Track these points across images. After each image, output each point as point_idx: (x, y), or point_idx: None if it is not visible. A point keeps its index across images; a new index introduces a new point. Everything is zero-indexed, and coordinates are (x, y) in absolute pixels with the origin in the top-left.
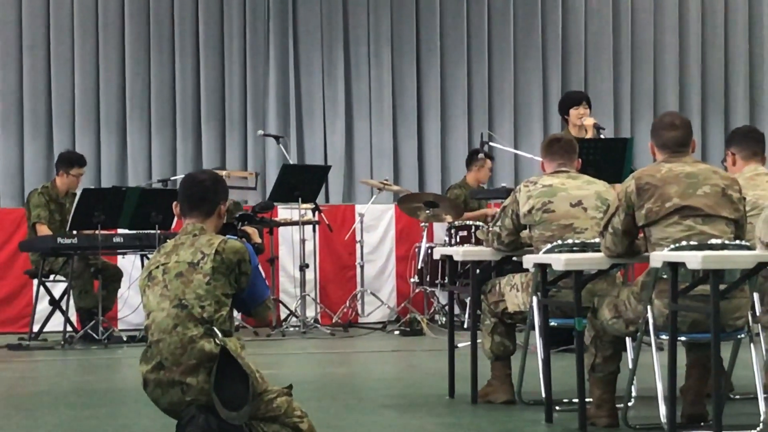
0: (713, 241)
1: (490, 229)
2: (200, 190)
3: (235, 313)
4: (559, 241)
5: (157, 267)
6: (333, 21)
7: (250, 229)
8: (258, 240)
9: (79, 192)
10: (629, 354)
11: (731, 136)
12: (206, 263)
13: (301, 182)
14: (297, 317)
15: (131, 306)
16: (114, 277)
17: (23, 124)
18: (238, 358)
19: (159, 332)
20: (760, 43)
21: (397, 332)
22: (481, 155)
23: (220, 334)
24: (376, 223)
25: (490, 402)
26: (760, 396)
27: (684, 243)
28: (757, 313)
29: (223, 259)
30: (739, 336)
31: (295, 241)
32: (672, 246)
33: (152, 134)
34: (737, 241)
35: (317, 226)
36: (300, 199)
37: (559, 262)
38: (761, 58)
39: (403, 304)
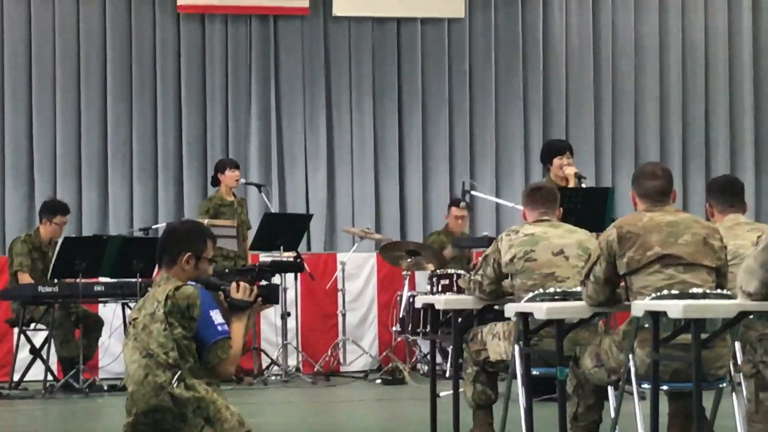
0: (695, 290)
1: (472, 277)
2: (161, 242)
3: None
4: (541, 290)
5: (131, 323)
6: (315, 69)
7: (244, 285)
8: (237, 296)
9: (60, 240)
10: (611, 403)
11: (709, 188)
12: (159, 310)
13: (282, 230)
14: (279, 366)
15: (112, 355)
16: (95, 326)
17: (5, 172)
18: (211, 404)
19: (133, 383)
20: (740, 92)
21: (379, 381)
22: (454, 205)
23: (188, 378)
24: (358, 272)
25: None
26: None
27: (665, 292)
28: (739, 363)
29: (174, 303)
30: (720, 385)
31: (279, 291)
32: (653, 295)
33: (134, 182)
34: (719, 290)
35: (299, 275)
36: (282, 248)
37: (541, 310)
38: (742, 107)
39: (385, 353)
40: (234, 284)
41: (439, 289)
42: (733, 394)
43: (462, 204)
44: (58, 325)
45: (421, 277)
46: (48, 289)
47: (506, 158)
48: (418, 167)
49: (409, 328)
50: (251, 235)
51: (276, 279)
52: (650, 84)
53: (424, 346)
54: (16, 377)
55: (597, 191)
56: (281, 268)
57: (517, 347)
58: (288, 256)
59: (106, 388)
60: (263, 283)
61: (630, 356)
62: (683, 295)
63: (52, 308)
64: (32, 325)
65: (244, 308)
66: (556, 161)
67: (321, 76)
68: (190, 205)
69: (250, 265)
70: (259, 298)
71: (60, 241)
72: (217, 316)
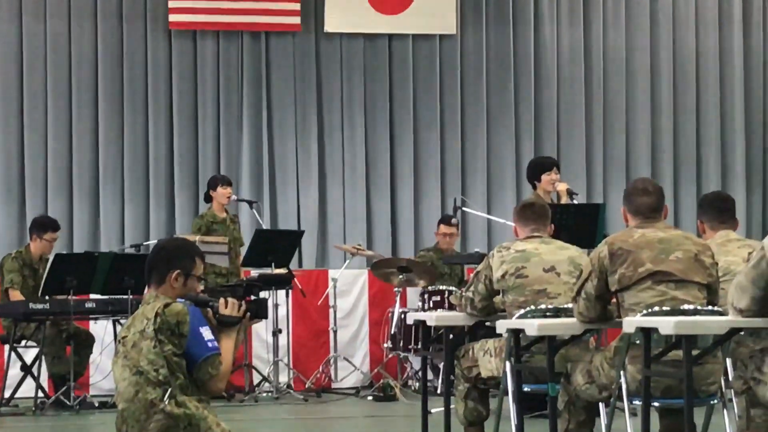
0: (686, 306)
1: (464, 294)
2: (150, 260)
3: None
4: (532, 306)
5: (120, 341)
6: (306, 86)
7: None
8: (225, 311)
9: (51, 257)
10: (602, 419)
11: (700, 204)
12: (149, 327)
13: (274, 247)
14: (270, 383)
15: (103, 371)
16: (86, 343)
17: None
18: (202, 420)
19: (123, 401)
20: (731, 108)
21: (370, 398)
22: (443, 222)
23: (179, 395)
24: (350, 288)
25: None
26: None
27: (657, 308)
28: (730, 379)
29: (163, 320)
30: (712, 402)
31: (268, 306)
32: (645, 311)
33: (125, 199)
34: (710, 307)
35: (290, 291)
36: (273, 264)
37: (533, 327)
38: (732, 124)
39: (376, 370)
40: (222, 300)
41: (431, 305)
42: (724, 410)
43: (453, 221)
44: (49, 342)
45: (413, 294)
46: (39, 306)
47: (497, 175)
48: (410, 184)
49: (401, 345)
50: (243, 251)
51: (267, 295)
52: (641, 101)
53: (416, 362)
54: (6, 394)
55: (588, 207)
56: (269, 281)
57: (508, 364)
58: (280, 272)
59: (97, 405)
60: (252, 298)
61: (621, 373)
62: (674, 312)
63: (43, 325)
64: (23, 342)
65: (233, 324)
66: (545, 177)
67: (312, 92)
68: (181, 222)
69: (238, 281)
70: (248, 314)
71: (51, 257)
72: (206, 333)
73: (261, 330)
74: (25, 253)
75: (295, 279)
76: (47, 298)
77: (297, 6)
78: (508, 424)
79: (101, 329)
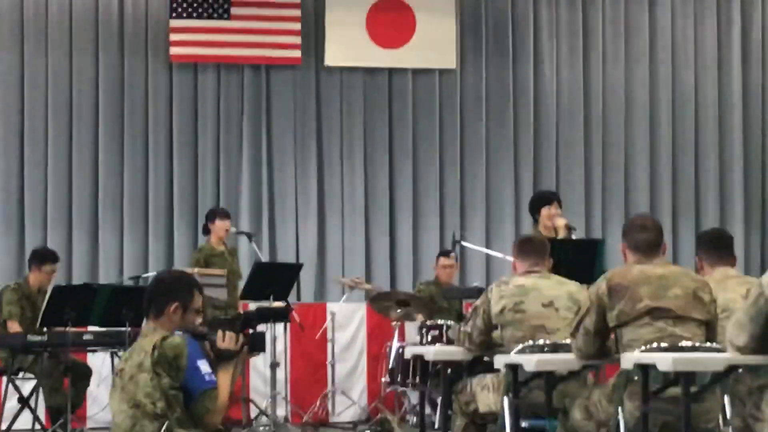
0: (684, 343)
1: (462, 328)
2: (148, 292)
3: None
4: (531, 342)
5: (117, 373)
6: (306, 119)
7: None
8: (223, 345)
9: (50, 289)
10: None
11: (698, 241)
12: (146, 360)
13: (273, 280)
14: (267, 416)
15: (100, 404)
16: (83, 375)
17: None
18: None
19: None
20: (730, 146)
21: None
22: (442, 255)
23: (176, 429)
24: (348, 322)
25: None
26: None
27: (655, 344)
28: (728, 416)
29: (161, 353)
30: None
31: (266, 339)
32: (643, 347)
33: (124, 231)
34: (708, 344)
35: (288, 325)
36: (272, 297)
37: (531, 362)
38: (731, 161)
39: (374, 404)
40: (220, 333)
41: (429, 339)
42: None
43: (452, 254)
44: (47, 374)
45: (411, 328)
46: (37, 338)
47: (497, 209)
48: (409, 217)
49: (399, 379)
50: (241, 284)
51: (265, 329)
52: (640, 137)
53: (414, 397)
54: (3, 426)
55: (587, 243)
56: (267, 315)
57: (506, 399)
58: (278, 305)
59: None
60: (250, 331)
61: (619, 409)
62: (673, 348)
63: (40, 357)
64: (21, 374)
65: (231, 357)
66: (544, 211)
67: (312, 125)
68: (180, 254)
69: (235, 314)
70: (245, 347)
71: (50, 289)
72: (204, 366)
73: (259, 363)
74: (24, 285)
75: (294, 312)
76: (45, 330)
77: (297, 40)
78: None
79: (99, 361)
